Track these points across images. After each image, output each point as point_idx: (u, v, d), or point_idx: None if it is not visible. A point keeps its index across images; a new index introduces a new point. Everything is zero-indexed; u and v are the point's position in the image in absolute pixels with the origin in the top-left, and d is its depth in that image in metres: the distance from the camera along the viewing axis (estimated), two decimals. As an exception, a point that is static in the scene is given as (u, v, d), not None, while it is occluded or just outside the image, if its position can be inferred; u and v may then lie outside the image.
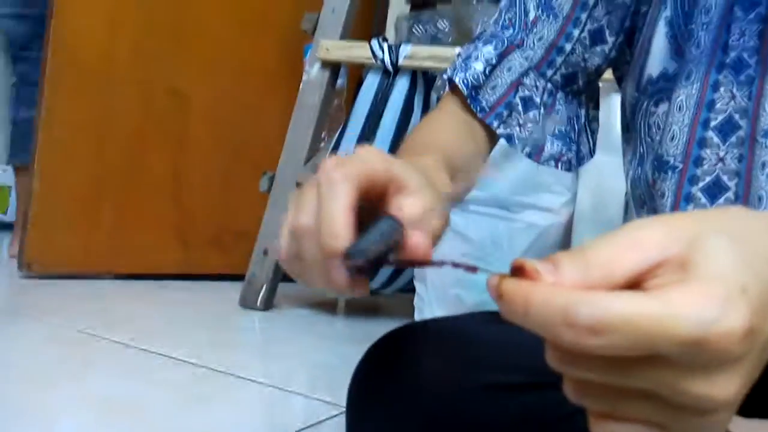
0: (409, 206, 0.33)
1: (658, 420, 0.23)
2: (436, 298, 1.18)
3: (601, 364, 0.23)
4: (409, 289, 1.33)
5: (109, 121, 1.49)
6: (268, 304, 1.37)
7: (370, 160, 0.33)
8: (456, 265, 0.29)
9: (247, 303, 1.37)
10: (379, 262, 0.30)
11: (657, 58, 0.56)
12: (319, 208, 0.32)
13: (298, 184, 1.34)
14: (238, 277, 1.57)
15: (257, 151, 1.60)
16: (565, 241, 1.25)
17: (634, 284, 0.23)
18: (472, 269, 0.28)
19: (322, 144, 1.40)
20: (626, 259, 0.23)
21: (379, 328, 1.54)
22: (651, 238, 0.24)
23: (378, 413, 0.46)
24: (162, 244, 1.56)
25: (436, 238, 0.34)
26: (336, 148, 1.33)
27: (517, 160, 1.19)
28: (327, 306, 1.58)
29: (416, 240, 0.31)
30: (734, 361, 0.22)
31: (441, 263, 0.30)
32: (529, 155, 0.66)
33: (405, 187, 0.33)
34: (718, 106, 0.54)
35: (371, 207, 0.34)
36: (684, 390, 0.22)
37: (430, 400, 0.44)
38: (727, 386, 0.22)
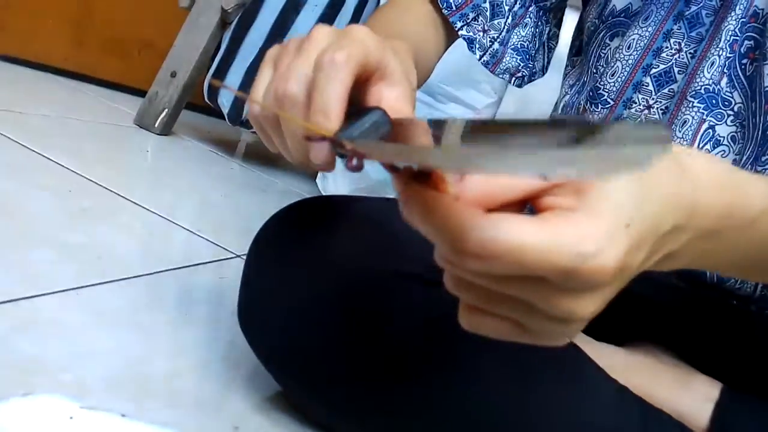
0: (388, 98, 0.33)
1: (521, 320, 0.27)
2: (341, 166, 1.19)
3: (484, 275, 0.25)
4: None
5: None
6: (167, 129, 1.31)
7: (367, 45, 0.33)
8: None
9: (143, 123, 1.29)
10: None
11: None
12: (315, 82, 0.31)
13: (224, 11, 1.23)
14: (137, 92, 1.47)
15: (183, -41, 1.44)
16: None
17: (533, 197, 0.26)
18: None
19: (258, -27, 1.28)
20: None
21: (275, 180, 1.52)
22: None
23: (282, 275, 0.46)
24: (52, 33, 1.42)
25: None
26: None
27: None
28: (227, 145, 1.53)
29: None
30: (600, 288, 0.25)
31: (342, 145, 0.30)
32: (486, 64, 0.66)
33: (389, 76, 0.34)
34: (663, 55, 0.55)
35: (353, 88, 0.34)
36: (553, 304, 0.25)
37: (337, 277, 0.45)
38: (589, 305, 0.26)
